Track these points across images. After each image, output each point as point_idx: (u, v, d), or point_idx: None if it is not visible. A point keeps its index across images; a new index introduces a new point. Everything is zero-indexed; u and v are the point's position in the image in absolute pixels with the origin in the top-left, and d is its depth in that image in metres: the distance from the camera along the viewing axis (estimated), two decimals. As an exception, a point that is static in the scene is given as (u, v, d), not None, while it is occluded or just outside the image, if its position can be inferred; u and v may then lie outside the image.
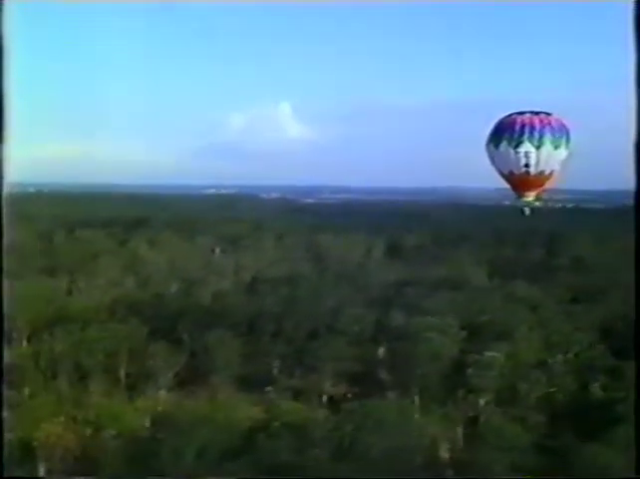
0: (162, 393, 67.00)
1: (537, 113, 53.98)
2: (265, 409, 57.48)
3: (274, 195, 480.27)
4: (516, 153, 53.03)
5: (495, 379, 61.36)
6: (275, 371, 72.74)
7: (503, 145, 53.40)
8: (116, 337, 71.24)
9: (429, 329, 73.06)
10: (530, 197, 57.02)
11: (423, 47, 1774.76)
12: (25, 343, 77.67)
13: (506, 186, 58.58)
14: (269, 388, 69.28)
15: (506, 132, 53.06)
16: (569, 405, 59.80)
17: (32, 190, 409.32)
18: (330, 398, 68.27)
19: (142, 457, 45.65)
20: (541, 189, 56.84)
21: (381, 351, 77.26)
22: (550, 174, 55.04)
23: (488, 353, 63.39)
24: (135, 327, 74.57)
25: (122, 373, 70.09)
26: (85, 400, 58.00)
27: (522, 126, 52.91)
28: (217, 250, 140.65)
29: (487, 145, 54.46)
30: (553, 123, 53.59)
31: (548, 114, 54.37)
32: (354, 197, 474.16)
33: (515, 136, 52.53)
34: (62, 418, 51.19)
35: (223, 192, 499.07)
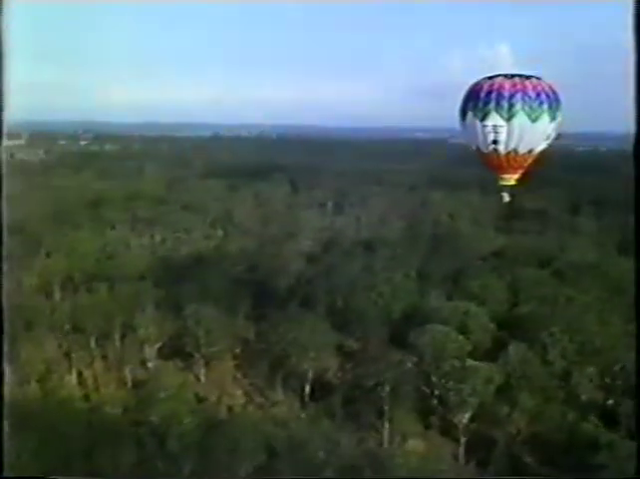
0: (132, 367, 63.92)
1: (512, 76, 41.63)
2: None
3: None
4: (483, 126, 41.50)
5: (471, 396, 49.58)
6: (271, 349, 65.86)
7: (469, 116, 41.96)
8: (116, 301, 69.00)
9: (448, 319, 62.43)
10: (511, 180, 44.72)
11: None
12: (58, 296, 78.25)
13: None
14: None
15: (471, 100, 41.72)
16: (548, 443, 46.88)
17: (245, 133, 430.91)
18: (312, 390, 60.58)
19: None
20: (522, 171, 44.39)
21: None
22: (529, 152, 42.65)
23: (471, 362, 51.35)
24: (143, 291, 71.94)
25: (116, 339, 67.66)
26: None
27: (489, 93, 41.15)
28: (330, 205, 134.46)
29: (459, 116, 43.64)
30: (530, 89, 41.05)
31: (528, 77, 41.55)
32: (566, 143, 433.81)
33: (481, 105, 41.16)
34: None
35: (418, 135, 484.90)
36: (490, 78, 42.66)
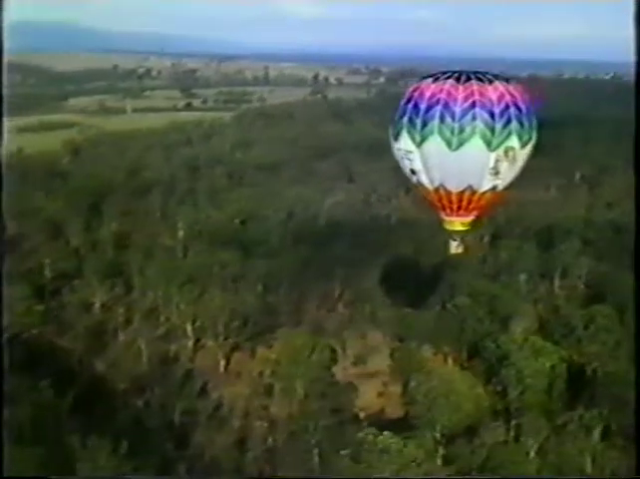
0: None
1: (450, 76, 28.34)
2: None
3: None
4: (397, 150, 30.07)
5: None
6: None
7: (390, 132, 30.63)
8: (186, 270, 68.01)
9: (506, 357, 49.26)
10: (456, 224, 31.44)
11: None
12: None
13: None
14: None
15: (396, 111, 30.18)
16: None
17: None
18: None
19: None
20: (474, 214, 30.85)
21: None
22: (472, 193, 29.21)
23: (386, 436, 37.44)
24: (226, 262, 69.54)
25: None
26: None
27: (407, 101, 29.28)
28: (577, 177, 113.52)
29: None
30: (460, 98, 27.55)
31: (470, 77, 28.03)
32: None
33: (396, 119, 29.75)
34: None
35: None
36: (422, 79, 29.83)
